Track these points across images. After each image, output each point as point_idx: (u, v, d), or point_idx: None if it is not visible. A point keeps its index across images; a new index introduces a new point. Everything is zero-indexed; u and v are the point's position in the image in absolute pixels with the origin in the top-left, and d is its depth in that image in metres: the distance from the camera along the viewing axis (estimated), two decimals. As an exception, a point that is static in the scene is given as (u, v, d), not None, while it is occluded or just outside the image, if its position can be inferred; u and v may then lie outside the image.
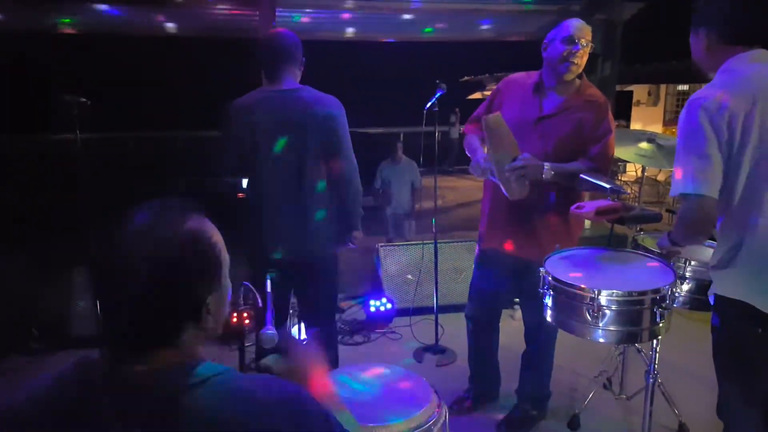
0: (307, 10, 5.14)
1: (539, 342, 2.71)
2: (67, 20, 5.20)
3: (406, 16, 5.64)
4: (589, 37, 2.35)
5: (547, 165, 2.28)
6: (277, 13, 4.65)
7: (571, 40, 2.32)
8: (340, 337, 3.78)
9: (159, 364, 0.84)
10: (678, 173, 1.64)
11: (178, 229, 0.85)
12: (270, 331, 1.47)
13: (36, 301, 3.71)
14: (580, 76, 2.44)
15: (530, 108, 2.45)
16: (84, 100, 3.15)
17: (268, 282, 1.68)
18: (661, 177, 10.33)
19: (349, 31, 6.26)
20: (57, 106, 3.02)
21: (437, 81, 3.34)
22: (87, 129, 3.08)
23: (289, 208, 2.36)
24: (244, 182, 2.53)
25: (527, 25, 6.21)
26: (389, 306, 3.99)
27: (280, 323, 2.59)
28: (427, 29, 6.30)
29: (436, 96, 3.35)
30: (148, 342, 0.85)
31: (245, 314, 1.65)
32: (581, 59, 2.34)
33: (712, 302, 1.79)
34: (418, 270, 4.05)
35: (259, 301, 1.57)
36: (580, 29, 2.34)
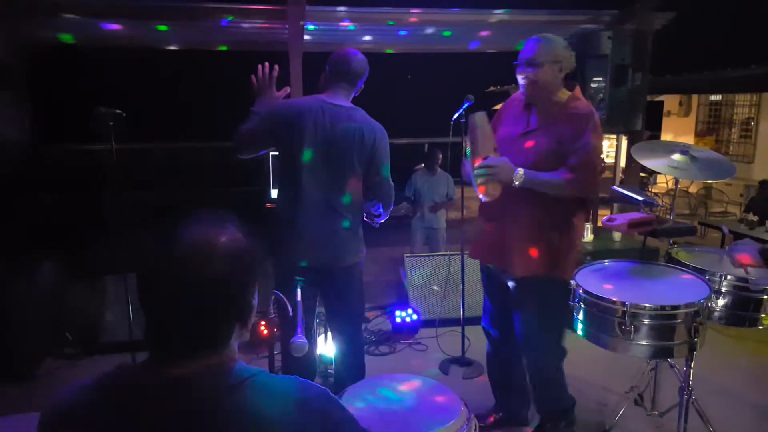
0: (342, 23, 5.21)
1: (536, 355, 2.59)
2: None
3: (442, 30, 5.68)
4: (548, 55, 2.31)
5: (520, 170, 2.22)
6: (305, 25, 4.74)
7: (521, 62, 2.35)
8: (366, 347, 3.78)
9: (202, 367, 0.87)
10: None
11: (225, 238, 0.89)
12: (300, 339, 1.48)
13: (70, 307, 3.81)
14: (571, 88, 2.41)
15: (519, 124, 2.45)
16: (119, 111, 3.24)
17: (299, 291, 1.69)
18: (693, 189, 10.12)
19: (384, 44, 6.34)
20: (93, 117, 3.11)
21: (467, 94, 3.36)
22: (121, 140, 3.15)
23: (322, 216, 2.39)
24: (273, 193, 2.56)
25: (558, 35, 6.18)
26: (415, 317, 3.98)
27: (307, 331, 2.61)
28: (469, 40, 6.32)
29: (464, 107, 3.35)
30: (200, 346, 0.88)
31: (274, 323, 1.66)
32: (535, 78, 2.31)
33: None
34: (444, 281, 4.03)
35: (290, 309, 1.58)
36: (533, 50, 2.32)
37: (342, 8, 4.97)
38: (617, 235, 4.48)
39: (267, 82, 2.47)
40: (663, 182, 10.18)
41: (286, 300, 1.59)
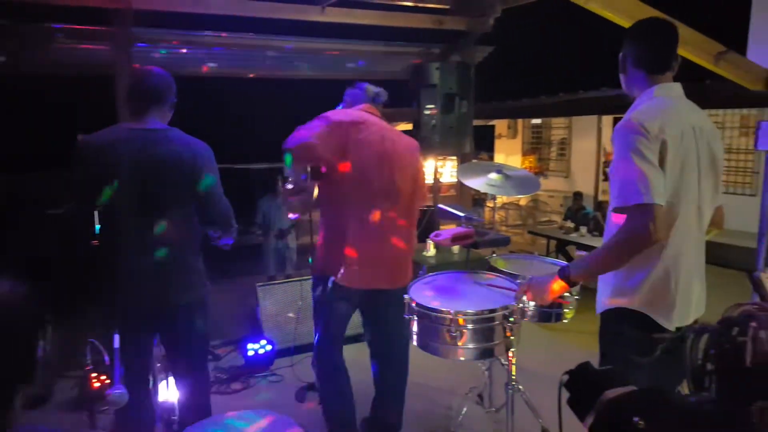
0: (165, 45, 5.04)
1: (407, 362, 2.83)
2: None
3: (275, 54, 5.75)
4: None
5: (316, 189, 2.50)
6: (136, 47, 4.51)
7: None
8: (217, 386, 3.64)
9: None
10: (628, 185, 1.63)
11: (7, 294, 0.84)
12: (117, 391, 1.40)
13: None
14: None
15: None
16: None
17: (116, 338, 1.59)
18: (523, 202, 11.27)
19: (221, 68, 6.26)
20: None
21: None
22: None
23: (150, 252, 2.24)
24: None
25: (392, 65, 6.59)
26: (269, 348, 3.92)
27: (144, 379, 2.45)
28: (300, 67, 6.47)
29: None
30: None
31: (100, 375, 1.56)
32: None
33: None
34: (297, 307, 4.03)
35: (107, 358, 1.49)
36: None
37: (170, 31, 4.85)
38: (456, 248, 4.84)
39: None
40: (500, 197, 11.23)
41: (102, 349, 1.49)
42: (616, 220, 1.75)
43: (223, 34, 5.12)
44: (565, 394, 0.84)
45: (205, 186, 2.30)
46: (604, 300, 1.86)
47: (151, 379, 2.52)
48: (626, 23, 2.58)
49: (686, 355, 0.86)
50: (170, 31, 4.90)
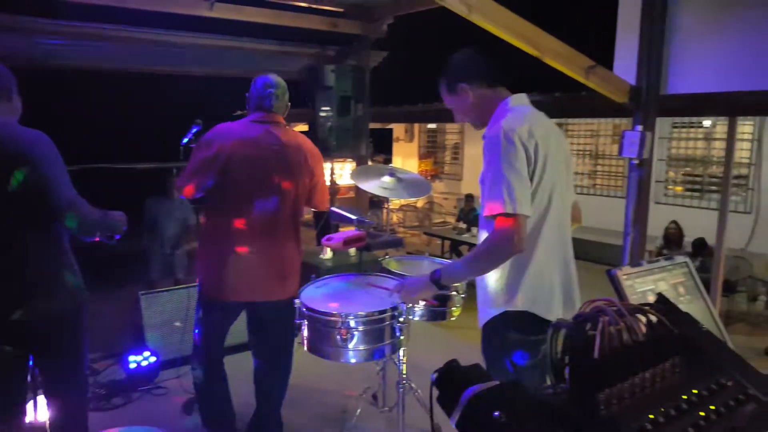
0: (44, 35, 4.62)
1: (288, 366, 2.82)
2: None
3: (162, 49, 5.47)
4: None
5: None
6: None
7: None
8: (95, 402, 3.37)
9: None
10: (496, 194, 1.67)
11: None
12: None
13: None
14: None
15: None
16: None
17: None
18: (420, 204, 11.60)
19: (108, 62, 5.86)
20: None
21: (196, 119, 3.36)
22: None
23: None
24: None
25: (287, 65, 6.50)
26: (153, 359, 3.69)
27: (16, 403, 2.21)
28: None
29: (192, 132, 3.33)
30: None
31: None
32: None
33: None
34: (185, 315, 3.83)
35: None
36: None
37: (50, 21, 4.46)
38: (352, 251, 4.87)
39: None
40: (398, 200, 11.46)
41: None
42: (485, 227, 1.81)
43: (108, 27, 4.79)
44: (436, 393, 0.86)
45: (46, 179, 2.03)
46: (488, 309, 1.86)
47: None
48: (506, 36, 2.73)
49: (547, 350, 0.92)
50: (51, 21, 4.49)
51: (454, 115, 2.01)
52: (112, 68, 6.56)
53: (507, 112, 1.82)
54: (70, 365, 2.33)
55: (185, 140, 3.34)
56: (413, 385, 2.92)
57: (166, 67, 6.62)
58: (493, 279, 1.83)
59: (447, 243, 7.82)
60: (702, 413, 0.80)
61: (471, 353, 1.55)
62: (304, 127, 5.77)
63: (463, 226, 7.66)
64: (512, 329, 1.80)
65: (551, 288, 1.82)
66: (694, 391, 0.84)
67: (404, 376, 2.56)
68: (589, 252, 7.89)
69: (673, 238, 6.15)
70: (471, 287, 2.65)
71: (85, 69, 6.29)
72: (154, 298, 3.96)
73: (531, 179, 1.72)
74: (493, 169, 1.69)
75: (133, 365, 3.61)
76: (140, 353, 3.66)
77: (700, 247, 5.93)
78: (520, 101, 1.89)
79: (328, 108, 4.98)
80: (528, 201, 1.68)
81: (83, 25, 4.75)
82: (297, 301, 2.29)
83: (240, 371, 2.87)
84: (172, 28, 5.27)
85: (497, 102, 1.89)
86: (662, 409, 0.78)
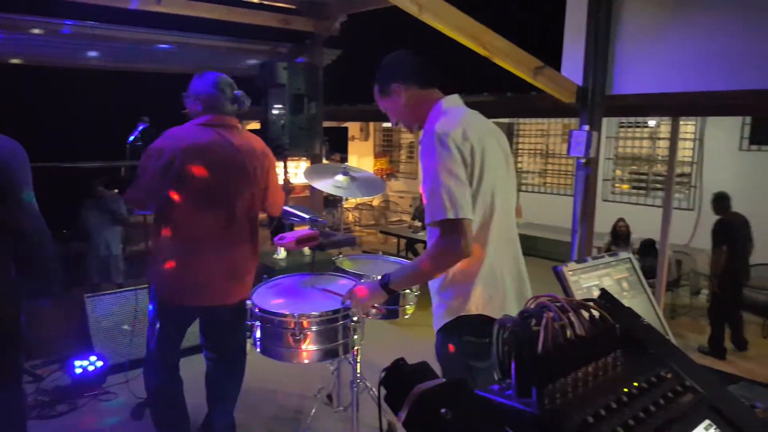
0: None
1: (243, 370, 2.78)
2: None
3: (106, 44, 5.27)
4: None
5: None
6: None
7: None
8: (37, 410, 3.23)
9: None
10: (437, 201, 1.64)
11: None
12: None
13: None
14: None
15: None
16: None
17: None
18: (375, 202, 11.61)
19: (51, 58, 5.60)
20: None
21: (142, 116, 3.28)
22: None
23: None
24: None
25: (239, 62, 6.40)
26: (100, 364, 3.55)
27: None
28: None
29: (139, 130, 3.24)
30: None
31: None
32: None
33: None
34: (133, 317, 3.71)
35: None
36: None
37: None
38: (306, 250, 4.82)
39: None
40: (353, 198, 11.43)
41: None
42: (430, 234, 1.79)
43: (52, 21, 4.57)
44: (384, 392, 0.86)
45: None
46: (441, 314, 1.83)
47: None
48: (456, 36, 2.75)
49: (494, 347, 0.93)
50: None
51: (390, 118, 1.97)
52: (55, 64, 6.30)
53: (441, 115, 1.79)
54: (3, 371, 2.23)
55: (131, 138, 3.26)
56: (368, 384, 2.92)
57: (111, 63, 6.41)
58: (445, 285, 1.81)
59: (403, 241, 7.86)
60: (642, 405, 0.82)
61: (426, 351, 1.56)
62: (257, 125, 5.69)
63: (418, 224, 7.71)
64: (467, 333, 1.78)
65: (504, 287, 1.82)
66: (635, 384, 0.86)
67: (358, 375, 2.56)
68: (541, 249, 8.10)
69: (621, 235, 6.36)
70: (424, 284, 2.68)
71: (26, 64, 6.01)
72: (100, 300, 3.83)
73: (470, 182, 1.70)
74: (431, 175, 1.66)
75: (78, 370, 3.48)
76: (86, 358, 3.53)
77: (649, 248, 6.06)
78: (453, 102, 1.86)
79: (280, 106, 4.91)
80: (469, 205, 1.66)
81: (24, 18, 4.53)
82: (248, 302, 2.25)
83: (191, 373, 2.80)
84: (119, 23, 5.08)
85: (431, 104, 1.84)
86: (604, 402, 0.81)
